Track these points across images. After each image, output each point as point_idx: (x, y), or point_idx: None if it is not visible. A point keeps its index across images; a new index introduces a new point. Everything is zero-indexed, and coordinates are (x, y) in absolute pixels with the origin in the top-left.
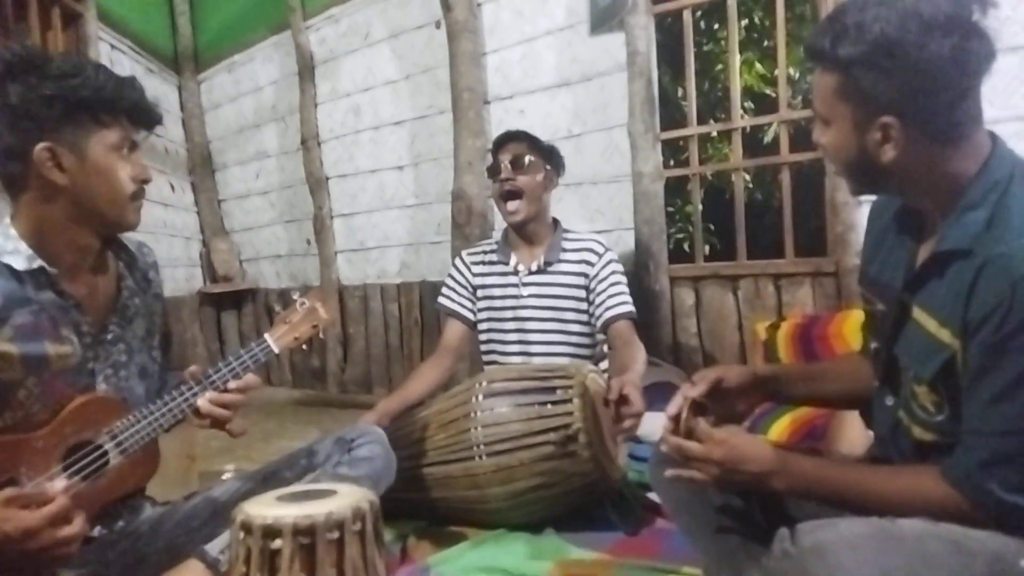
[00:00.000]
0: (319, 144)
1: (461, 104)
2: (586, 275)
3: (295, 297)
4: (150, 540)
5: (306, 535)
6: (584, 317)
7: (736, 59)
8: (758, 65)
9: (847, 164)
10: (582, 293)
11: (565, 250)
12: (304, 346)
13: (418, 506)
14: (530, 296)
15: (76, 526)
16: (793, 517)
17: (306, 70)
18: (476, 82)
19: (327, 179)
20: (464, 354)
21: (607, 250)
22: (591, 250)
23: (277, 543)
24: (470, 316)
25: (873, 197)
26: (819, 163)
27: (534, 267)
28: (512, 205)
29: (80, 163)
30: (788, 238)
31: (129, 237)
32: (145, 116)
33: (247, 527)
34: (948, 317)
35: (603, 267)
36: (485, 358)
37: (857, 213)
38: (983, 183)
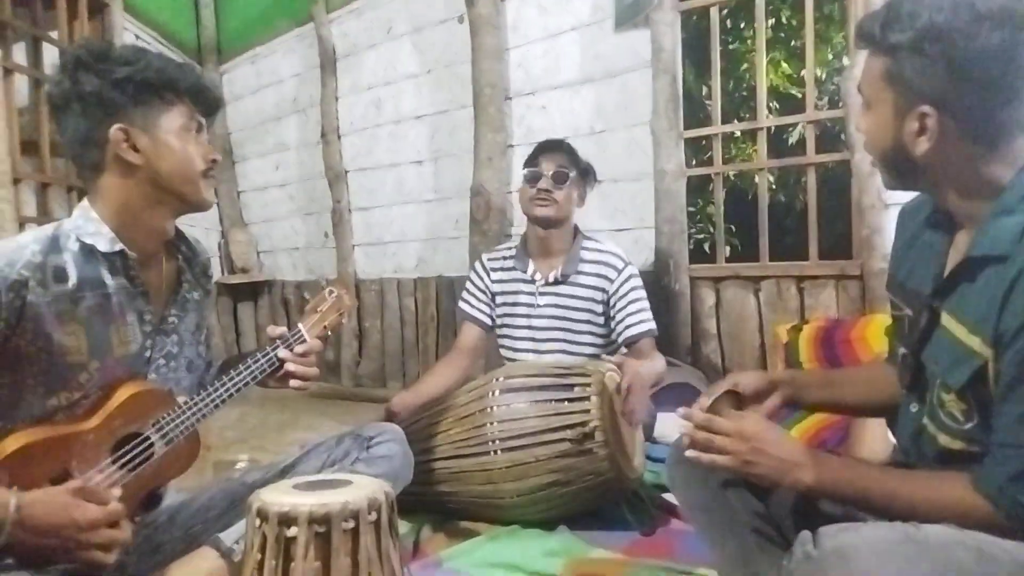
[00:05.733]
0: (339, 137)
1: (482, 99)
2: (604, 290)
3: (323, 286)
4: (167, 529)
5: (322, 524)
6: (597, 330)
7: (763, 58)
8: (784, 65)
9: (882, 153)
10: (599, 308)
11: (584, 261)
12: (329, 333)
13: (432, 500)
14: (546, 306)
15: (123, 532)
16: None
17: (328, 63)
18: (498, 77)
19: (346, 173)
20: (479, 356)
21: (627, 264)
22: (611, 265)
23: (292, 531)
24: (487, 320)
25: (902, 200)
26: (844, 165)
27: (551, 278)
28: (543, 210)
29: (153, 143)
30: (812, 240)
31: (187, 233)
32: (205, 97)
33: (263, 514)
34: (980, 324)
35: (623, 283)
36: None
37: (883, 216)
38: (1020, 188)
